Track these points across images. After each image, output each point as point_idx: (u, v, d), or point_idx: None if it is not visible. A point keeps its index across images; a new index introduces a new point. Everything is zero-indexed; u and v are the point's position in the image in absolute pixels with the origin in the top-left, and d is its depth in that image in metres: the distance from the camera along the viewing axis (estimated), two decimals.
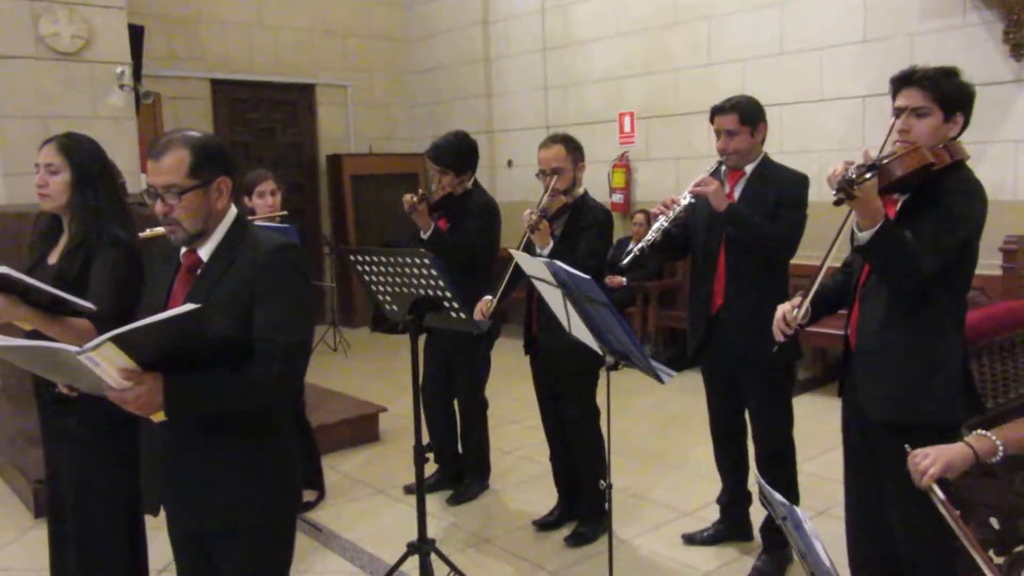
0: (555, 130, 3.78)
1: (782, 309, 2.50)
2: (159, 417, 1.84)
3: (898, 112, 2.33)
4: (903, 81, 2.33)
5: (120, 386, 1.75)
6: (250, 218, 3.86)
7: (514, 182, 8.56)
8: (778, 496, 1.58)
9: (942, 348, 2.34)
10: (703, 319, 3.37)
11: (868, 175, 2.05)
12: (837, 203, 2.15)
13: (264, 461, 2.02)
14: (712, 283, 3.31)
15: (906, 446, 1.89)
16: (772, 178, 3.26)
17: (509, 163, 8.73)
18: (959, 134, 2.34)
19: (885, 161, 2.21)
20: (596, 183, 7.38)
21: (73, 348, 1.68)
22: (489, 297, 3.49)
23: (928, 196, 2.29)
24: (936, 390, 2.33)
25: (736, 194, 3.28)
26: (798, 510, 1.50)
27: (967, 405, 2.41)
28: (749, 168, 3.29)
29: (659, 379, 2.39)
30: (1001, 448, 1.85)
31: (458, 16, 8.99)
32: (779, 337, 2.50)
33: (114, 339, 1.66)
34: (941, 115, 2.29)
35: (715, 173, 3.28)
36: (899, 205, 2.38)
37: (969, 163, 2.36)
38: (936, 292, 2.31)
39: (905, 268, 2.23)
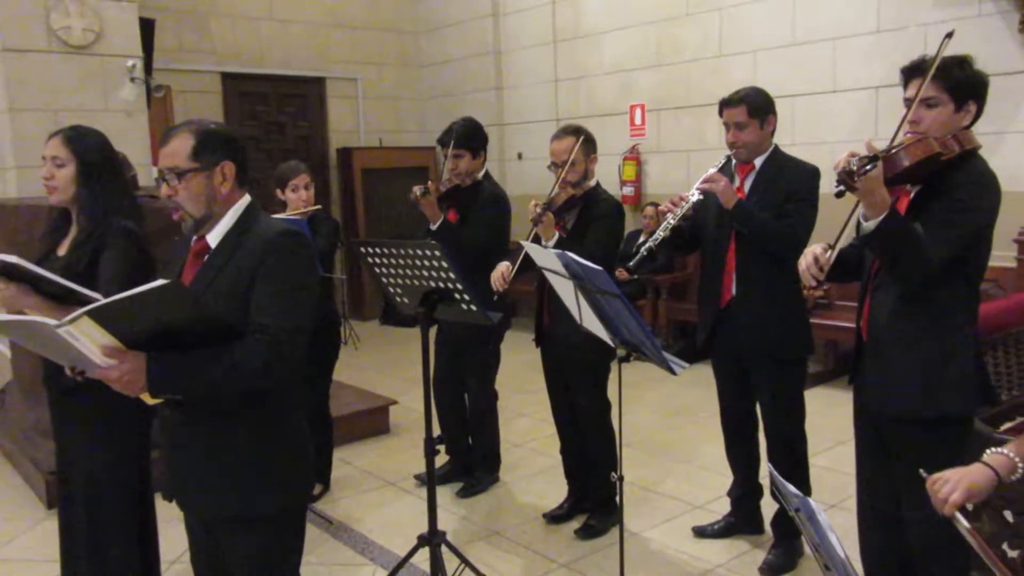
0: (565, 123, 3.76)
1: (812, 251, 2.37)
2: (148, 398, 1.85)
3: (908, 102, 2.30)
4: (913, 71, 2.30)
5: (103, 363, 1.77)
6: (280, 215, 3.86)
7: (524, 175, 8.55)
8: (791, 487, 1.57)
9: (954, 339, 2.32)
10: (713, 312, 3.35)
11: (869, 166, 2.03)
12: (838, 195, 2.13)
13: (274, 451, 2.02)
14: (722, 276, 3.29)
15: (921, 471, 1.78)
16: (783, 171, 3.22)
17: (519, 156, 8.72)
18: (972, 123, 2.31)
19: (893, 151, 2.19)
20: (607, 175, 7.31)
21: (51, 321, 1.69)
22: (507, 264, 3.44)
23: (940, 187, 2.27)
24: (949, 381, 2.31)
25: (746, 188, 3.25)
26: (811, 502, 1.49)
27: (980, 396, 2.39)
28: (759, 161, 3.25)
29: (671, 371, 2.38)
30: (1020, 464, 1.76)
31: (468, 9, 8.97)
32: (811, 282, 2.36)
33: (90, 313, 1.67)
34: (952, 104, 2.26)
35: (724, 168, 3.24)
36: (912, 196, 2.36)
37: (983, 153, 2.33)
38: (948, 282, 2.28)
39: (911, 258, 2.20)
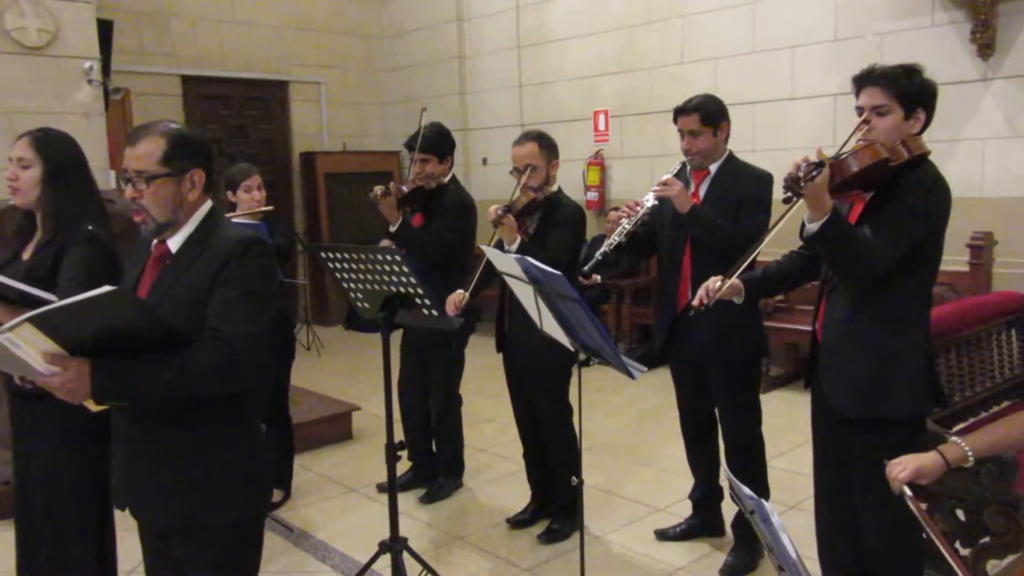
0: (530, 128, 3.78)
1: (711, 280, 2.57)
2: (93, 406, 1.81)
3: (860, 111, 2.36)
4: (864, 80, 2.36)
5: (46, 370, 1.73)
6: (232, 214, 3.84)
7: (489, 180, 8.56)
8: (746, 490, 1.59)
9: (905, 342, 2.37)
10: (669, 317, 3.37)
11: (815, 172, 2.09)
12: (786, 201, 2.19)
13: (230, 459, 2.00)
14: (678, 281, 3.32)
15: (885, 460, 2.00)
16: (736, 177, 3.27)
17: (484, 161, 8.72)
18: (922, 130, 2.36)
19: (842, 157, 2.24)
20: (571, 181, 7.38)
21: None
22: (461, 291, 3.48)
23: (891, 192, 2.32)
24: (899, 384, 2.36)
25: (701, 193, 3.29)
26: (766, 504, 1.51)
27: (931, 399, 2.44)
28: (714, 167, 3.30)
29: (630, 375, 2.39)
30: (971, 454, 1.94)
31: (433, 13, 8.96)
32: (695, 302, 2.56)
33: (32, 320, 1.63)
34: (902, 112, 2.32)
35: (679, 173, 3.28)
36: (867, 201, 2.41)
37: (938, 160, 2.39)
38: (900, 286, 2.34)
39: (854, 259, 2.26)
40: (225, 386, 1.90)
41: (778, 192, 3.21)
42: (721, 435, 3.44)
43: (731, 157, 3.33)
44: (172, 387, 1.82)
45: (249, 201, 3.97)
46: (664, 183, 3.16)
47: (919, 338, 2.41)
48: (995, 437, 2.03)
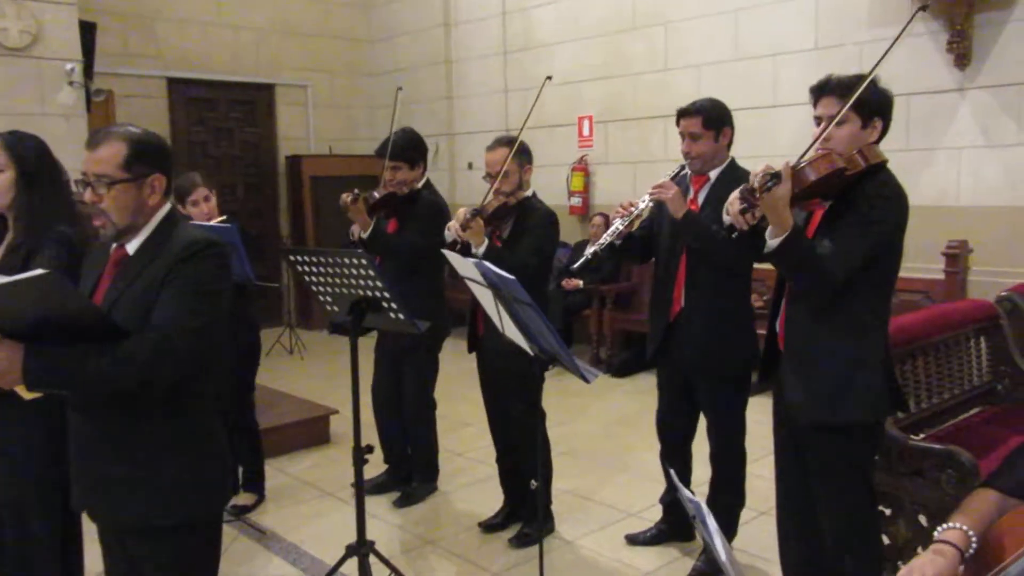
0: (515, 133, 3.76)
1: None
2: (25, 392, 1.81)
3: (818, 120, 2.38)
4: (821, 90, 2.38)
5: None
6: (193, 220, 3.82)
7: (474, 184, 8.55)
8: (687, 493, 1.60)
9: (864, 348, 2.39)
10: (662, 323, 3.34)
11: (771, 183, 2.09)
12: (743, 212, 2.18)
13: (183, 458, 2.00)
14: (672, 288, 3.27)
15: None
16: (737, 184, 3.20)
17: (470, 165, 8.74)
18: (880, 139, 2.39)
19: (799, 167, 2.26)
20: (555, 186, 7.42)
21: None
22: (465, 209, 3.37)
23: (848, 201, 2.34)
24: (858, 390, 2.38)
25: (700, 200, 3.23)
26: (704, 507, 1.53)
27: (889, 403, 2.46)
28: (714, 173, 3.23)
29: (585, 379, 2.41)
30: (974, 537, 1.64)
31: (420, 18, 8.99)
32: (743, 225, 2.33)
33: None
34: (859, 122, 2.34)
35: (679, 178, 3.19)
36: (825, 210, 2.43)
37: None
38: (859, 293, 2.36)
39: (813, 275, 2.28)
40: (157, 376, 1.88)
41: None
42: (708, 439, 3.42)
43: (733, 164, 3.26)
44: (104, 375, 1.81)
45: (199, 215, 3.90)
46: (660, 186, 3.08)
47: (879, 344, 2.43)
48: (984, 515, 1.69)
